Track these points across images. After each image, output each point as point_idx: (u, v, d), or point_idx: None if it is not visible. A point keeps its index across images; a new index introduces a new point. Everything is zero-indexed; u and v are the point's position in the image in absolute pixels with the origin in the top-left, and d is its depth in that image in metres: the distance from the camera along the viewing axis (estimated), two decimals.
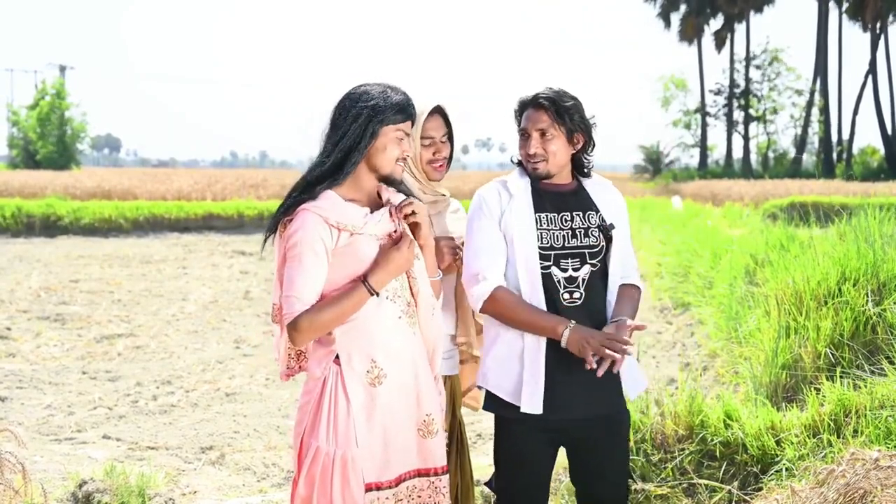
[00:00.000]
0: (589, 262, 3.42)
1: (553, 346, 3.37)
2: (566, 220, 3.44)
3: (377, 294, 3.10)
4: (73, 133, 54.54)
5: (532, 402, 3.38)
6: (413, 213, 3.19)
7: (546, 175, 3.45)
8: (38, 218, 23.32)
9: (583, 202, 3.50)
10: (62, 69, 62.81)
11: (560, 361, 3.38)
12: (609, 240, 3.46)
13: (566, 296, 3.38)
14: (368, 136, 3.10)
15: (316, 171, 3.13)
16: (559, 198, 3.48)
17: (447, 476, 3.29)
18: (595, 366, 3.20)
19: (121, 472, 5.06)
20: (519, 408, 3.39)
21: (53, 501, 4.69)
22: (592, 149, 3.53)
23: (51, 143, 53.02)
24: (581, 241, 3.42)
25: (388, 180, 3.20)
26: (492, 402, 3.51)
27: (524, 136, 3.46)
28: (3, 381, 8.27)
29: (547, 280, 3.39)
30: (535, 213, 3.43)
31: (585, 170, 3.55)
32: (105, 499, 4.78)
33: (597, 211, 3.48)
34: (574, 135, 3.43)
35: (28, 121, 54.49)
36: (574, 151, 3.48)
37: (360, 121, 3.10)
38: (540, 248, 3.39)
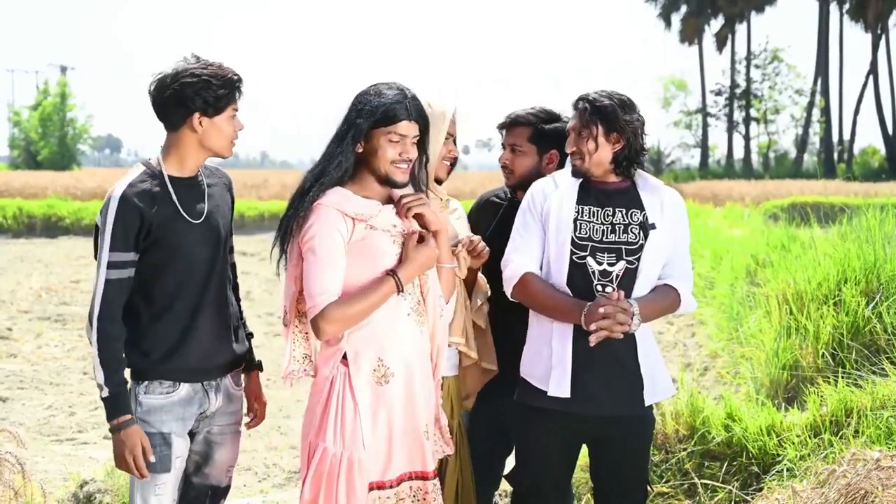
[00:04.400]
0: (625, 258, 3.46)
1: (580, 338, 3.41)
2: (608, 215, 3.50)
3: (403, 290, 3.11)
4: (75, 134, 54.55)
5: (560, 387, 3.44)
6: (412, 205, 3.17)
7: (584, 172, 3.53)
8: (39, 218, 23.34)
9: (629, 200, 3.55)
10: (63, 69, 62.78)
11: (586, 355, 3.43)
12: (647, 237, 3.49)
13: (599, 288, 3.43)
14: (349, 139, 3.10)
15: (309, 178, 3.15)
16: (605, 194, 3.54)
17: (437, 479, 3.31)
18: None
19: (122, 473, 5.06)
20: (546, 396, 3.46)
21: (54, 502, 4.69)
22: (640, 149, 3.57)
23: (52, 144, 53.02)
24: (619, 237, 3.47)
25: (391, 182, 3.18)
26: (522, 392, 3.59)
27: (567, 135, 3.58)
28: (4, 381, 8.27)
29: (582, 270, 3.45)
30: (578, 204, 3.50)
31: (631, 169, 3.58)
32: (106, 499, 4.78)
33: (641, 209, 3.53)
34: (611, 134, 3.49)
35: (29, 121, 54.50)
36: (615, 151, 3.52)
37: (344, 126, 3.13)
38: (578, 237, 3.45)
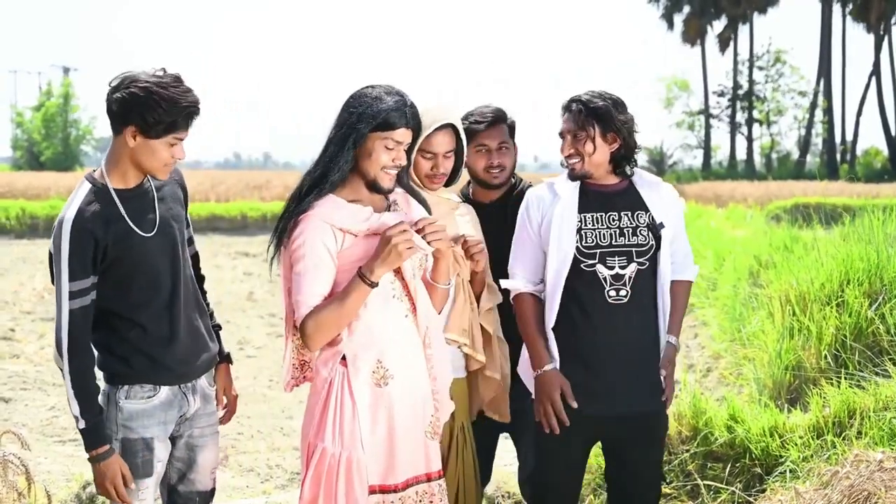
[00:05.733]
0: (636, 260, 3.47)
1: (591, 340, 3.45)
2: (613, 220, 3.50)
3: (375, 284, 3.03)
4: (78, 135, 54.58)
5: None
6: (433, 234, 3.14)
7: (584, 175, 3.53)
8: (41, 219, 23.32)
9: (632, 202, 3.55)
10: (66, 70, 62.80)
11: (597, 356, 3.46)
12: (659, 239, 3.50)
13: (612, 293, 3.44)
14: (350, 143, 3.08)
15: (307, 181, 3.13)
16: (606, 198, 3.54)
17: (444, 479, 3.31)
18: (547, 427, 3.50)
19: None
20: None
21: (57, 503, 4.69)
22: (635, 148, 3.57)
23: (56, 145, 53.04)
24: (629, 240, 3.48)
25: (377, 188, 3.15)
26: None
27: (562, 138, 3.57)
28: (7, 382, 8.28)
29: (592, 277, 3.45)
30: (581, 213, 3.50)
31: (628, 169, 3.58)
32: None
33: (646, 210, 3.53)
34: (608, 134, 3.48)
35: (32, 122, 54.51)
36: (612, 150, 3.52)
37: (343, 129, 3.09)
38: (585, 246, 3.46)
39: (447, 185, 3.76)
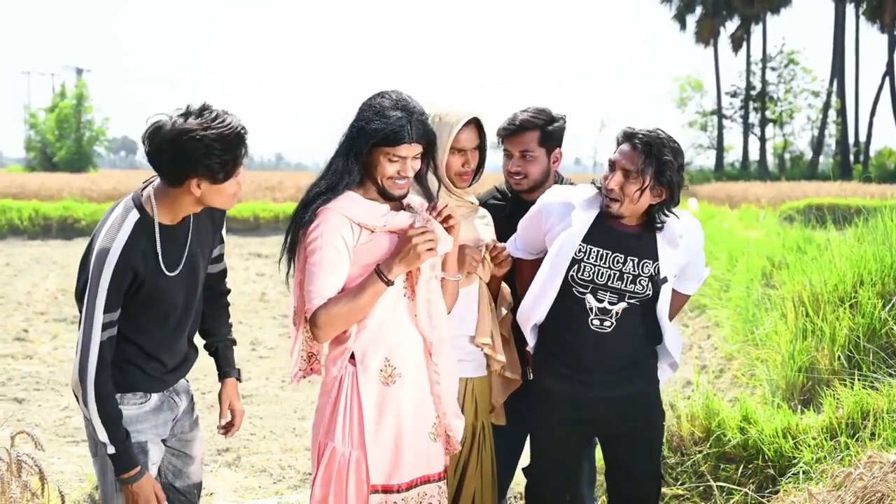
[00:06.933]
0: (627, 301, 3.42)
1: (577, 358, 3.47)
2: (617, 262, 3.41)
3: (391, 282, 3.05)
4: (91, 136, 54.76)
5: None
6: (449, 216, 3.18)
7: (617, 215, 3.40)
8: (54, 220, 23.40)
9: (643, 249, 3.44)
10: (79, 71, 62.97)
11: (585, 373, 3.48)
12: (658, 291, 3.45)
13: (596, 322, 3.43)
14: (352, 158, 3.09)
15: (313, 191, 3.14)
16: (619, 238, 3.43)
17: (444, 481, 3.31)
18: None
19: None
20: (558, 374, 3.54)
21: (70, 503, 4.71)
22: (672, 206, 3.42)
23: (69, 146, 53.23)
24: (626, 286, 3.41)
25: (388, 196, 3.16)
26: (534, 373, 3.70)
27: (611, 167, 3.39)
28: (20, 382, 8.31)
29: (580, 304, 3.43)
30: (587, 243, 3.42)
31: (657, 224, 3.42)
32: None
33: (655, 260, 3.43)
34: (657, 188, 3.34)
35: (45, 123, 54.71)
36: (653, 203, 3.38)
37: (347, 142, 3.11)
38: (580, 278, 3.42)
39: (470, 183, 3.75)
